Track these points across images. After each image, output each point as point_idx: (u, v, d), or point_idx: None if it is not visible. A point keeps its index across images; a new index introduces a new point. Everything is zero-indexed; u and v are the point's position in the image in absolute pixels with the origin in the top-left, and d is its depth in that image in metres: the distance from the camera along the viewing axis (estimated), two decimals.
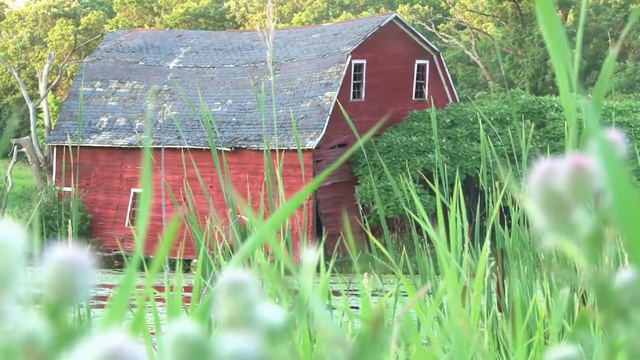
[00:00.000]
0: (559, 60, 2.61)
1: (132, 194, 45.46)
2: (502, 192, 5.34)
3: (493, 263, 5.75)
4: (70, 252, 0.81)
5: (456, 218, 4.43)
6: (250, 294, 0.90)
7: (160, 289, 4.25)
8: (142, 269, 1.53)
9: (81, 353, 0.75)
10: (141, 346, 0.77)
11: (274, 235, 1.44)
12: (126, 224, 45.63)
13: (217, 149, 6.34)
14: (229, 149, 39.03)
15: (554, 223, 1.08)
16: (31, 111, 49.79)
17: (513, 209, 6.23)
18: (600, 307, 1.07)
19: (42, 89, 51.25)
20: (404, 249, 5.94)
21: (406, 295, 4.54)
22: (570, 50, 2.73)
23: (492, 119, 41.00)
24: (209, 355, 0.81)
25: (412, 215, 5.03)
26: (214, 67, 48.01)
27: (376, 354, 0.90)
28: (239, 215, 6.03)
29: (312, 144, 41.38)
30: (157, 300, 3.75)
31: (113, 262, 44.52)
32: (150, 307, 3.62)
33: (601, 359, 1.09)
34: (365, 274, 4.56)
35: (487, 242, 4.53)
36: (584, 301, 3.89)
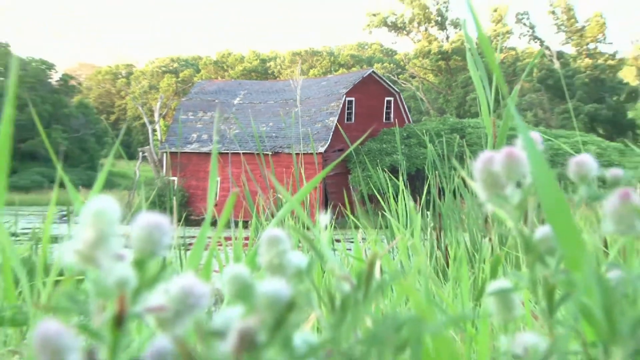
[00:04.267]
0: (482, 94, 2.45)
1: None
2: (448, 179, 5.29)
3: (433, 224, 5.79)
4: (153, 217, 0.71)
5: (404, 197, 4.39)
6: (283, 245, 0.85)
7: (228, 239, 4.17)
8: (215, 225, 1.47)
9: (161, 292, 0.67)
10: (207, 285, 0.68)
11: (299, 205, 1.37)
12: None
13: (263, 153, 6.31)
14: (270, 153, 39.26)
15: (492, 196, 0.99)
16: (150, 131, 49.91)
17: (446, 188, 6.20)
18: (525, 253, 0.99)
19: (156, 117, 51.42)
20: (380, 213, 5.87)
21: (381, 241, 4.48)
22: (491, 86, 2.58)
23: (432, 133, 41.40)
24: (252, 290, 0.72)
25: (380, 198, 4.98)
26: (261, 103, 48.32)
27: (370, 285, 0.81)
28: (277, 194, 5.98)
29: (321, 149, 41.72)
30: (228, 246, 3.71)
31: (200, 223, 44.66)
32: (221, 250, 3.54)
33: (525, 289, 1.00)
34: (360, 230, 4.49)
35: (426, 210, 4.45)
36: (500, 246, 3.80)
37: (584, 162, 1.03)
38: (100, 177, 1.34)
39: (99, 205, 0.68)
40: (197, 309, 0.66)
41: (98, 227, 0.67)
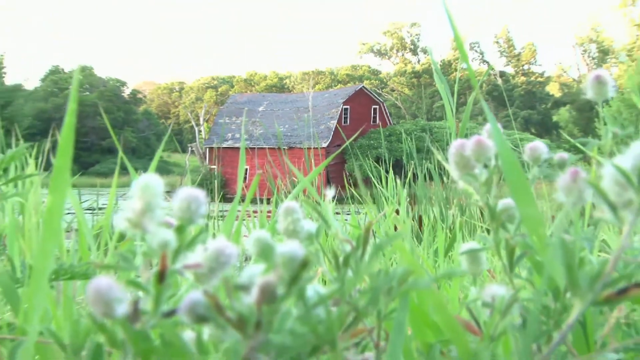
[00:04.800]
0: (446, 101, 2.37)
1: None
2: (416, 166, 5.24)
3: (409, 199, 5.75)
4: (191, 191, 0.66)
5: (390, 179, 4.33)
6: (296, 214, 0.82)
7: (256, 212, 4.13)
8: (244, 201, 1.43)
9: (198, 252, 0.61)
10: (236, 247, 0.62)
11: (309, 185, 1.32)
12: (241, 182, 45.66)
13: (281, 148, 6.27)
14: (286, 148, 39.28)
15: (463, 175, 0.92)
16: (196, 131, 49.82)
17: (420, 172, 6.15)
18: (490, 220, 0.93)
19: (201, 121, 51.36)
20: (369, 192, 5.83)
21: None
22: (453, 96, 2.50)
23: (408, 131, 41.46)
24: (272, 250, 0.66)
25: (372, 178, 4.93)
26: (280, 110, 48.26)
27: (366, 246, 0.76)
28: (292, 178, 5.93)
29: (324, 145, 41.73)
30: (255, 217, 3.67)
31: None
32: (250, 220, 3.49)
33: (489, 249, 0.94)
34: (354, 204, 4.45)
35: (405, 188, 4.38)
36: (460, 216, 3.75)
37: (537, 147, 0.97)
38: (153, 163, 1.29)
39: (145, 181, 0.63)
40: (228, 266, 0.61)
41: (145, 198, 0.62)
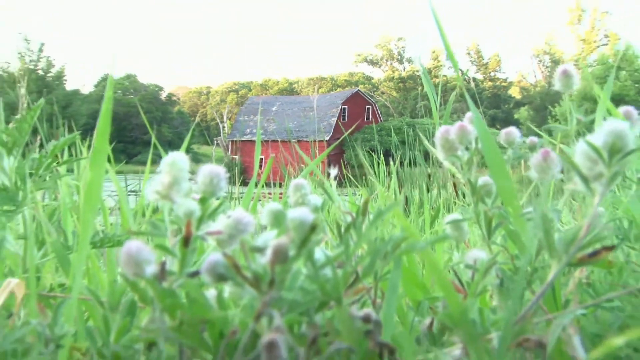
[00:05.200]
0: (432, 100, 2.31)
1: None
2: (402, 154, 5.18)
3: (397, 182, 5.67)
4: (213, 167, 0.61)
5: (380, 165, 4.27)
6: (305, 189, 0.79)
7: (270, 194, 4.08)
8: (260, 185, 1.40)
9: (220, 221, 0.57)
10: (252, 216, 0.58)
11: (315, 167, 1.28)
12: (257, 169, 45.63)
13: (291, 141, 6.24)
14: (296, 141, 39.06)
15: (448, 156, 0.88)
16: (221, 127, 49.73)
17: (405, 160, 6.11)
18: (471, 194, 0.88)
19: (225, 119, 51.31)
20: (363, 177, 5.78)
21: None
22: (437, 97, 2.44)
23: (395, 128, 41.30)
24: (284, 218, 0.61)
25: (366, 165, 4.89)
26: (290, 110, 48.06)
27: (365, 217, 0.72)
28: (301, 165, 5.89)
29: (326, 138, 41.47)
30: (269, 198, 3.62)
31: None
32: (265, 200, 3.45)
33: (470, 220, 0.90)
34: (351, 187, 4.41)
35: (394, 174, 4.32)
36: (439, 196, 3.69)
37: (511, 131, 0.92)
38: (181, 149, 1.26)
39: (172, 158, 0.59)
40: (245, 233, 0.57)
41: (172, 173, 0.58)
